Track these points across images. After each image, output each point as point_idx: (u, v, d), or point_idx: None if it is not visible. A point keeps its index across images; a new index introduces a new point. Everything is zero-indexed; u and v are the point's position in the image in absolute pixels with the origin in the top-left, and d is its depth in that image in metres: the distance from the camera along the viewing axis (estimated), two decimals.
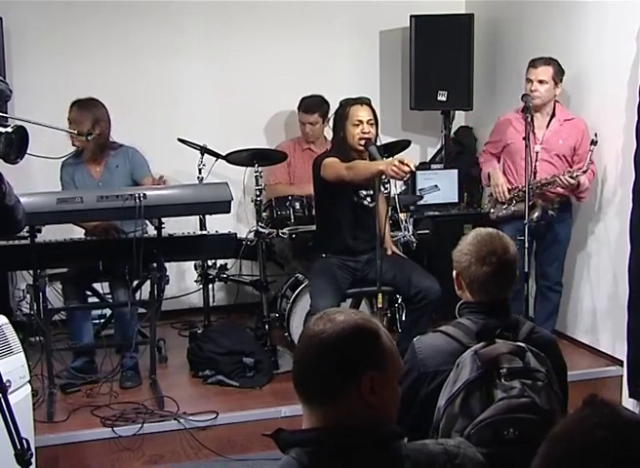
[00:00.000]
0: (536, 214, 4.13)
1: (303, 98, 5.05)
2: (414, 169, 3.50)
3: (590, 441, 1.07)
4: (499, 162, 4.55)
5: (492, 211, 4.46)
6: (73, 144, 4.23)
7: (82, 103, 4.20)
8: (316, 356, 1.49)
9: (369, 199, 3.97)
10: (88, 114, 4.17)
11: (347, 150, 3.90)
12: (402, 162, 3.43)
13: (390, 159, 3.70)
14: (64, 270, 4.34)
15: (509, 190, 4.37)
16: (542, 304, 4.47)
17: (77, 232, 4.21)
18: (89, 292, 4.43)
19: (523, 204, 4.18)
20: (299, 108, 5.07)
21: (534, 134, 4.27)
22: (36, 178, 4.73)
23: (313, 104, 4.99)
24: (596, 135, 4.07)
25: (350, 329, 1.50)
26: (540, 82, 4.24)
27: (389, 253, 4.10)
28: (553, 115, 4.33)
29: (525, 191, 4.11)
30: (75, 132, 4.07)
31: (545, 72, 4.24)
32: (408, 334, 3.53)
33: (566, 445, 1.09)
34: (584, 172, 4.16)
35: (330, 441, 1.47)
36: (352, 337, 1.50)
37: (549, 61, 4.27)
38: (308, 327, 1.54)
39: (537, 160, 4.21)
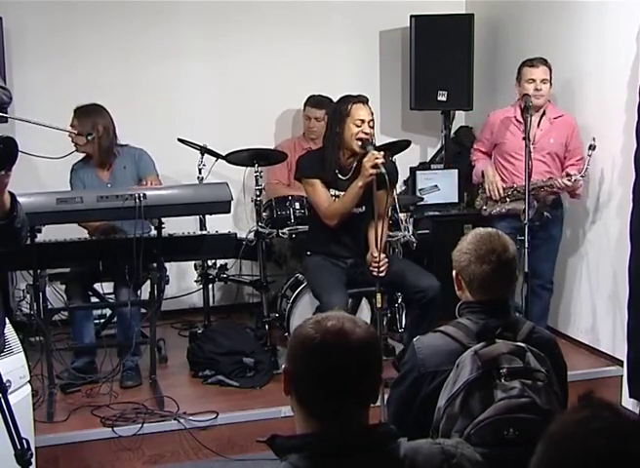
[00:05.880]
0: (529, 213, 4.12)
1: (312, 95, 5.08)
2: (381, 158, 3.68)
3: (589, 447, 1.05)
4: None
5: (484, 207, 4.47)
6: (79, 151, 4.24)
7: (82, 110, 4.22)
8: (371, 358, 1.53)
9: (360, 207, 3.95)
10: (87, 121, 4.18)
11: (340, 148, 3.89)
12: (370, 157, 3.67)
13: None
14: (67, 270, 4.34)
15: (504, 189, 4.38)
16: (535, 303, 4.44)
17: (78, 232, 4.20)
18: (90, 292, 4.42)
19: (518, 202, 4.20)
20: (306, 103, 5.08)
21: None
22: (39, 178, 4.73)
23: (322, 101, 5.01)
24: (594, 139, 4.07)
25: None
26: (543, 81, 4.24)
27: (374, 254, 3.79)
28: (543, 114, 4.34)
29: (519, 190, 4.20)
30: (75, 132, 4.08)
31: (545, 72, 4.26)
32: (411, 334, 3.50)
33: (564, 448, 1.08)
34: (582, 177, 4.17)
35: (327, 445, 1.47)
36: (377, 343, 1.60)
37: (545, 61, 4.28)
38: (341, 327, 1.52)
39: (530, 159, 4.19)
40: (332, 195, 3.94)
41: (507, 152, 4.41)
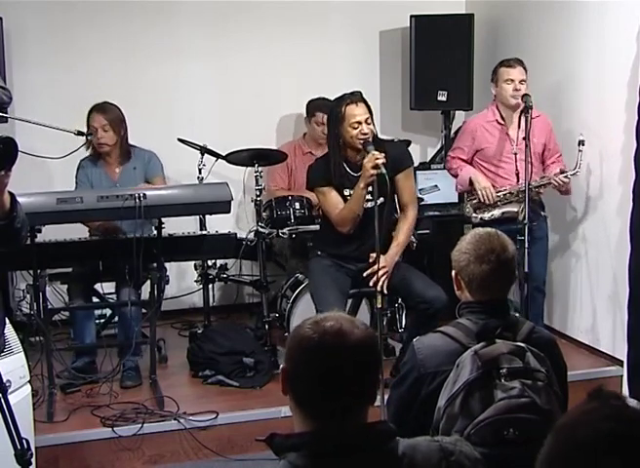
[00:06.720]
0: (523, 215, 4.09)
1: (315, 100, 4.94)
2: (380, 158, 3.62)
3: (597, 432, 1.06)
4: None
5: (474, 214, 4.38)
6: (102, 150, 4.27)
7: (105, 108, 4.25)
8: (369, 359, 1.54)
9: (368, 202, 3.88)
10: (115, 117, 4.24)
11: (345, 149, 3.84)
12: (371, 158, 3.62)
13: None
14: (68, 270, 4.33)
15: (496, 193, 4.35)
16: (531, 305, 4.41)
17: (78, 232, 4.21)
18: (91, 292, 4.42)
19: (511, 205, 4.19)
20: (314, 109, 4.95)
21: (508, 135, 4.28)
22: (40, 178, 4.73)
23: (328, 104, 4.79)
24: (581, 134, 4.08)
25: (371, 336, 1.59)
26: (521, 81, 4.23)
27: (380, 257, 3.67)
28: (521, 114, 4.32)
29: (513, 193, 4.22)
30: (75, 132, 4.07)
31: (522, 72, 4.24)
32: (411, 334, 3.48)
33: (572, 436, 1.08)
34: (578, 172, 4.16)
35: (326, 443, 1.47)
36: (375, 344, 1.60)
37: (521, 62, 4.27)
38: (339, 328, 1.52)
39: (516, 161, 4.16)
40: (347, 195, 3.86)
41: (494, 156, 4.35)
